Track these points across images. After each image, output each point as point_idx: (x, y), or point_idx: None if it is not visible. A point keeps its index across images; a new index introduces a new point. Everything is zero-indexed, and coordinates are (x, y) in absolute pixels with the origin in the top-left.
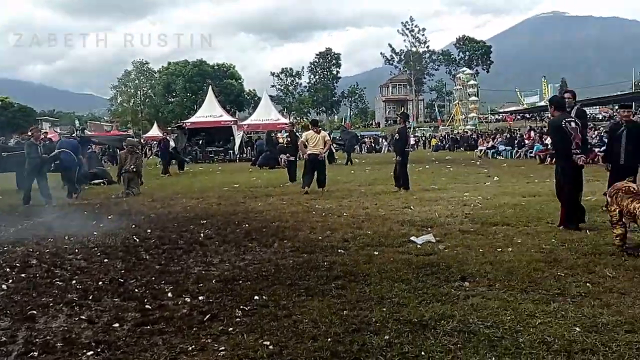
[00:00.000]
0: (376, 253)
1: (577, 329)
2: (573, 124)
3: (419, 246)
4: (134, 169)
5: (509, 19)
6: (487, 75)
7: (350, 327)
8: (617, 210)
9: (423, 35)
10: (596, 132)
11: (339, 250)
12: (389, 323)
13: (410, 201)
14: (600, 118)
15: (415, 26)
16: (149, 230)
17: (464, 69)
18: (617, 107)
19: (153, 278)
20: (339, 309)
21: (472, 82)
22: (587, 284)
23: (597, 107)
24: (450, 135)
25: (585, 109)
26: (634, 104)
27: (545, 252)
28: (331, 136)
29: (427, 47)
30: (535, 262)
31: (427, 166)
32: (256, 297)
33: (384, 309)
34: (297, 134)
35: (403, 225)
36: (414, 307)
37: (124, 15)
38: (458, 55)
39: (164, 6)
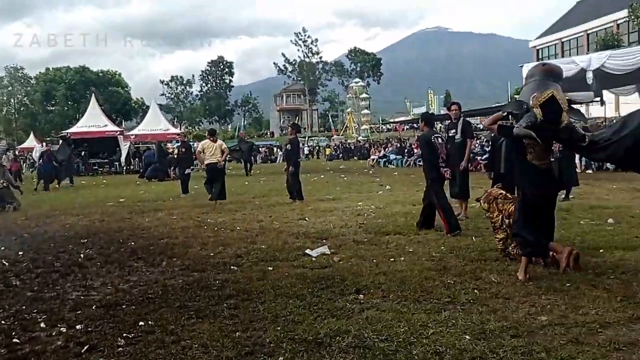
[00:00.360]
0: (270, 268)
1: (467, 337)
2: (440, 140)
3: (313, 259)
4: (4, 184)
5: (398, 32)
6: (378, 86)
7: (243, 349)
8: (500, 215)
9: (316, 46)
10: (477, 142)
11: (232, 267)
12: (284, 343)
13: (305, 212)
14: (481, 128)
15: (308, 37)
16: (20, 253)
17: (356, 79)
18: None
19: (23, 307)
20: (231, 330)
21: (364, 95)
22: (475, 291)
23: (478, 117)
24: (344, 145)
25: (468, 119)
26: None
27: (436, 260)
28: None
29: (320, 57)
30: (427, 271)
31: (322, 176)
32: (141, 323)
33: (279, 328)
34: (190, 143)
35: (298, 238)
36: (309, 325)
37: None
38: (350, 67)
39: (42, 8)
